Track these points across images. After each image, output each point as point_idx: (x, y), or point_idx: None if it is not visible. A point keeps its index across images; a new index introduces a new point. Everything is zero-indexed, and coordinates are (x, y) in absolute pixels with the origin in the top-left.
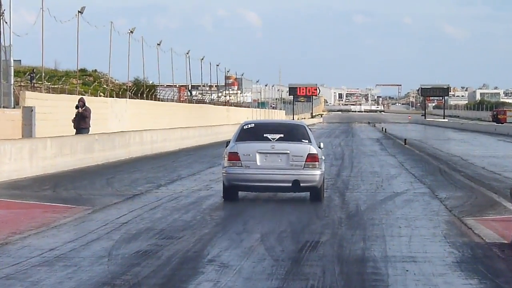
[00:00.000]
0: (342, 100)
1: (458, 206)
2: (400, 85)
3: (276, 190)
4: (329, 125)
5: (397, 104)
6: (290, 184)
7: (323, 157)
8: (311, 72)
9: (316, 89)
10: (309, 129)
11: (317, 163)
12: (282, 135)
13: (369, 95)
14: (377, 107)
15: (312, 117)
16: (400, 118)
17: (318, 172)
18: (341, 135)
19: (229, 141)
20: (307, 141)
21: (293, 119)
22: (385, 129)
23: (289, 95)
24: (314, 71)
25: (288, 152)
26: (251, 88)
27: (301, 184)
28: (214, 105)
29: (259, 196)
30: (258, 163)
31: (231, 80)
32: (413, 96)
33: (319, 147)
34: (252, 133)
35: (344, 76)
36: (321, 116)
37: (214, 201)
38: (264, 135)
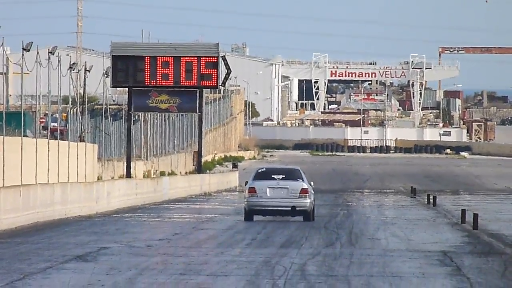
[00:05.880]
0: (317, 106)
1: None
2: None
3: (280, 213)
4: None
5: None
6: (290, 209)
7: (312, 191)
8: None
9: (214, 62)
10: (303, 171)
11: (307, 194)
12: (284, 176)
13: (416, 80)
14: (446, 132)
15: (195, 171)
16: None
17: (308, 200)
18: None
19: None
20: (301, 180)
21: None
22: (477, 219)
23: (113, 86)
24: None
25: (288, 187)
26: None
27: (296, 209)
28: None
29: None
30: (268, 194)
31: None
32: None
33: (311, 185)
34: (264, 174)
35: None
36: (233, 169)
37: None
38: (272, 176)
